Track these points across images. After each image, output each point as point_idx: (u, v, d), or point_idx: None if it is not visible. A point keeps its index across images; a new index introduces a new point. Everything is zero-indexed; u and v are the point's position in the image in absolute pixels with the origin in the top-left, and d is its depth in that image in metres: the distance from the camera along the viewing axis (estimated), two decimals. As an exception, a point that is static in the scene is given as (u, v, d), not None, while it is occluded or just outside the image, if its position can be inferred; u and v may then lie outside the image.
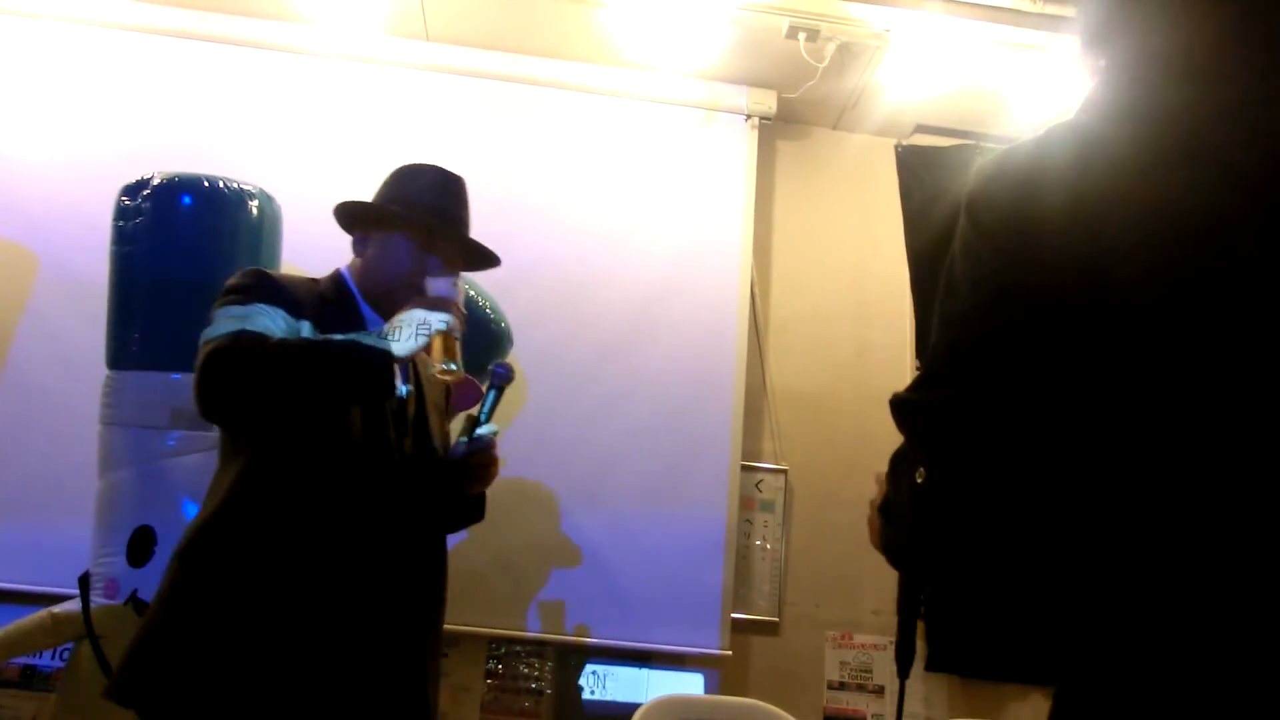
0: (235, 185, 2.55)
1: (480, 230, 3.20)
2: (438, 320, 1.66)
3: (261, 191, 2.61)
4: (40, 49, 3.09)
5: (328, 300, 1.76)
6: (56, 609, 2.42)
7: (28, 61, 3.08)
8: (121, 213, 2.52)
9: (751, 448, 3.19)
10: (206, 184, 2.52)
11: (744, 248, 3.21)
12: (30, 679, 2.68)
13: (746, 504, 3.14)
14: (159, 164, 2.63)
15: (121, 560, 2.38)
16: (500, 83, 3.22)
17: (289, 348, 1.58)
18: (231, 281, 1.72)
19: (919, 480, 1.06)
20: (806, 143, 3.50)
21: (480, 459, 1.81)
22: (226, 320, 1.61)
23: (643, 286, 3.11)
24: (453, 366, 1.72)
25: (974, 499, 1.02)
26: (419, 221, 1.85)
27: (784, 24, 2.93)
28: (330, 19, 3.07)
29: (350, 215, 1.90)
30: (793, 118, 3.43)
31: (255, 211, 2.57)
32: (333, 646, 1.59)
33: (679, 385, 3.07)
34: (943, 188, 3.33)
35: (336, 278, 1.84)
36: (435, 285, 1.76)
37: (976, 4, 2.86)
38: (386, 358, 1.59)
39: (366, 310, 1.80)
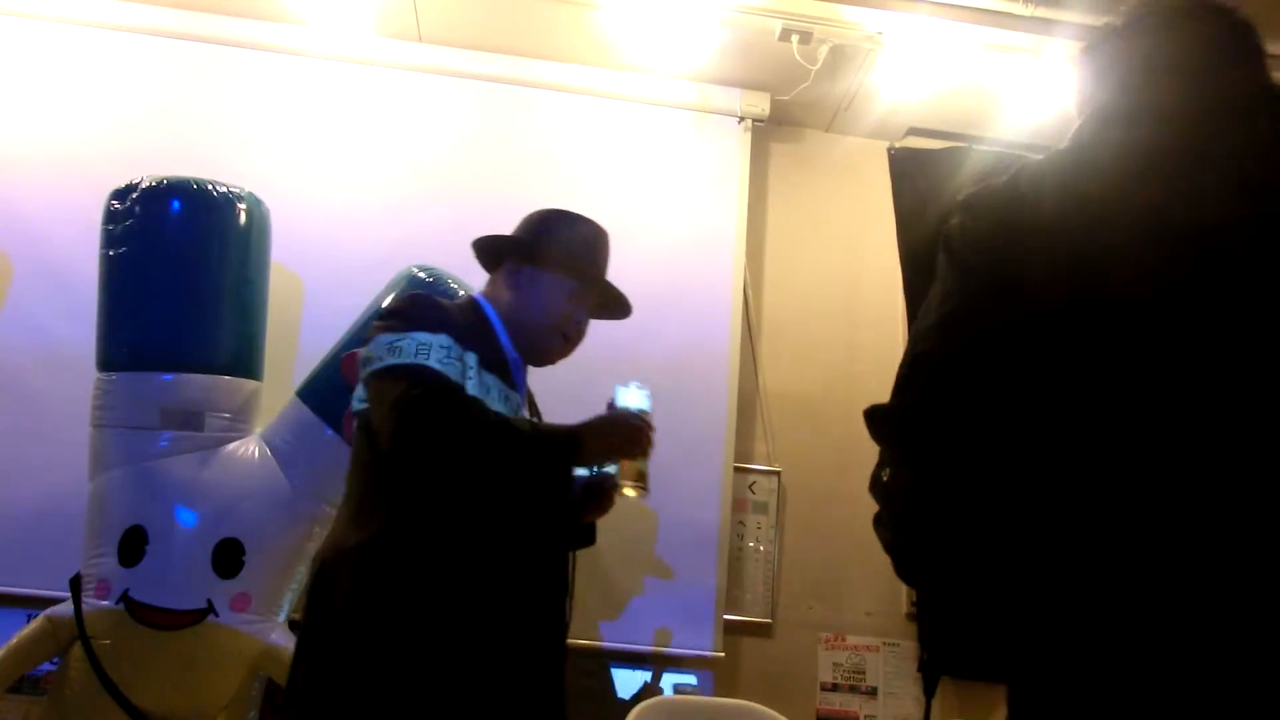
0: (224, 189, 2.55)
1: (472, 233, 3.20)
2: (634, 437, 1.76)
3: (250, 194, 2.61)
4: (25, 47, 3.07)
5: (475, 329, 1.77)
6: (51, 612, 2.42)
7: (11, 59, 3.06)
8: (110, 216, 2.52)
9: (744, 449, 3.19)
10: (195, 187, 2.52)
11: (737, 250, 3.21)
12: (20, 681, 2.66)
13: (739, 506, 3.14)
14: (146, 164, 2.63)
15: (113, 561, 2.38)
16: (492, 84, 3.21)
17: (502, 430, 1.61)
18: (395, 305, 1.75)
19: (885, 479, 1.15)
20: (799, 145, 3.50)
21: (603, 490, 1.86)
22: (393, 351, 1.63)
23: (635, 288, 3.04)
24: (641, 488, 1.81)
25: (932, 494, 1.10)
26: (582, 269, 1.88)
27: (777, 26, 2.93)
28: (321, 19, 3.06)
29: (500, 249, 1.93)
30: (786, 120, 3.43)
31: (244, 215, 2.58)
32: (504, 660, 1.64)
33: (672, 387, 3.04)
34: (935, 190, 3.34)
35: (477, 307, 1.86)
36: (634, 396, 1.83)
37: (968, 7, 2.87)
38: (573, 464, 1.67)
39: (505, 341, 1.82)
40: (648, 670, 2.99)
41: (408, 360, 1.61)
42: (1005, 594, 1.09)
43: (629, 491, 1.80)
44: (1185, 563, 0.98)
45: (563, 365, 1.93)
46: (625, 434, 1.77)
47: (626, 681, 2.98)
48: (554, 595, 1.78)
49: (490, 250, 1.95)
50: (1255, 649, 0.96)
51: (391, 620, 1.58)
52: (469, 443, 1.58)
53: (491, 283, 1.93)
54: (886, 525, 1.17)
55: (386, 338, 1.66)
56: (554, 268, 1.86)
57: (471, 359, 1.69)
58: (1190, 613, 0.97)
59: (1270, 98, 1.16)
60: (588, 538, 1.97)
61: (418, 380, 1.60)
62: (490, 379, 1.72)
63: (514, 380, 1.81)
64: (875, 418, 1.18)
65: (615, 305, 1.99)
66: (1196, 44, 1.19)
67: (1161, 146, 1.12)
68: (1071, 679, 1.02)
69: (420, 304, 1.73)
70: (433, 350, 1.63)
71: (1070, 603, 1.03)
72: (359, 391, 1.74)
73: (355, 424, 1.76)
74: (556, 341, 1.87)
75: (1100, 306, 1.04)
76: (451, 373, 1.63)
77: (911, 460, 1.13)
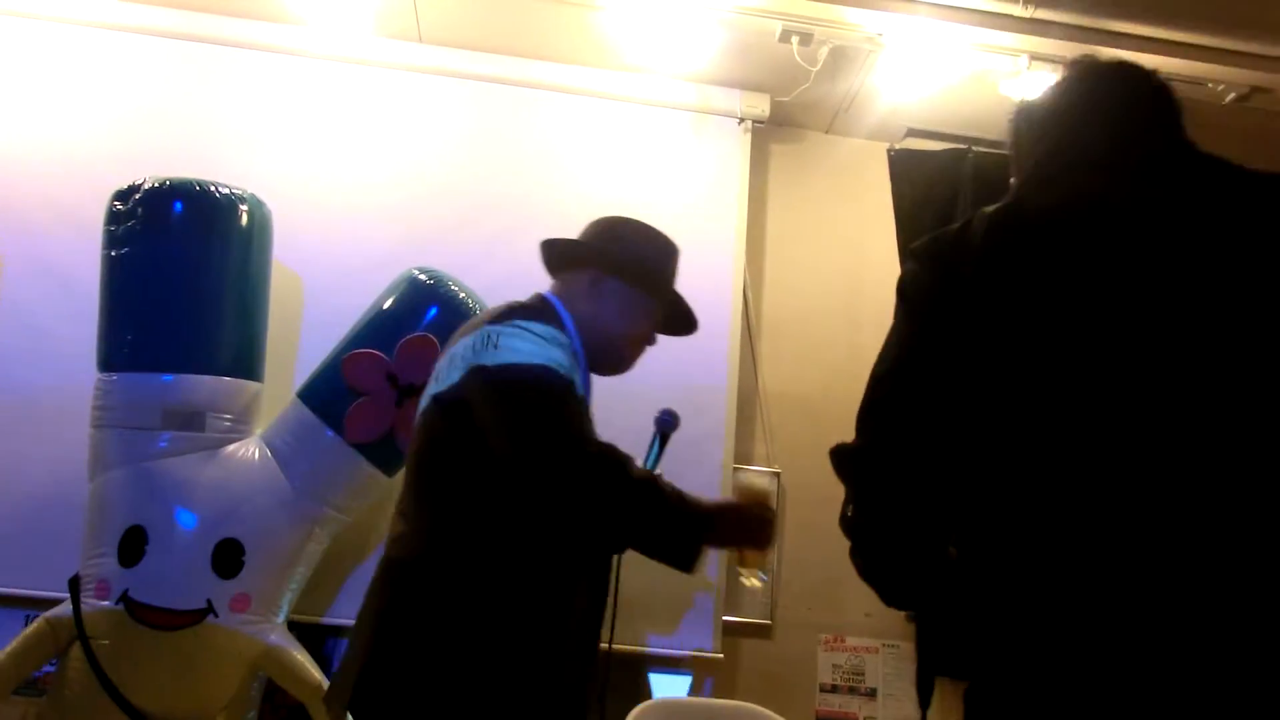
0: (226, 190, 2.56)
1: (472, 235, 3.22)
2: (765, 530, 1.72)
3: (252, 196, 2.61)
4: (24, 47, 3.06)
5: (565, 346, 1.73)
6: (51, 614, 2.43)
7: (11, 59, 3.05)
8: (113, 217, 2.52)
9: (744, 450, 3.19)
10: (197, 188, 2.52)
11: (737, 251, 3.21)
12: (19, 682, 2.67)
13: (739, 507, 3.14)
14: (147, 165, 2.63)
15: (112, 561, 2.39)
16: (493, 85, 3.21)
17: (651, 494, 1.56)
18: (504, 308, 1.69)
19: (849, 514, 1.26)
20: (799, 146, 3.50)
21: None
22: (506, 346, 1.58)
23: (635, 289, 3.11)
24: (763, 577, 1.76)
25: (891, 529, 1.23)
26: (665, 288, 1.87)
27: (777, 27, 2.93)
28: (321, 20, 3.06)
29: (581, 257, 1.86)
30: (786, 121, 3.43)
31: (245, 216, 2.58)
32: (570, 665, 1.66)
33: (671, 388, 3.02)
34: (934, 191, 3.34)
35: (554, 309, 1.79)
36: (759, 481, 1.78)
37: (968, 9, 2.87)
38: (703, 545, 1.60)
39: (579, 348, 1.76)
40: (646, 671, 2.98)
41: (533, 360, 1.56)
42: (974, 610, 1.18)
43: (753, 582, 1.78)
44: (1129, 578, 1.07)
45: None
46: (758, 526, 1.71)
47: (625, 683, 2.97)
48: (601, 600, 1.79)
49: (564, 254, 1.88)
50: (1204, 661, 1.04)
51: (480, 631, 1.56)
52: (621, 498, 1.54)
53: (565, 284, 1.85)
54: (858, 557, 1.27)
55: (499, 328, 1.61)
56: (640, 284, 1.83)
57: (579, 378, 1.65)
58: (1142, 628, 1.06)
59: (1193, 153, 1.29)
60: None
61: (557, 394, 1.55)
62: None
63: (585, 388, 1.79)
64: (837, 457, 1.27)
65: (685, 322, 1.96)
66: (1132, 99, 1.32)
67: (1102, 189, 1.23)
68: (1022, 683, 1.12)
69: (526, 305, 1.70)
70: (552, 349, 1.59)
71: (1029, 611, 1.12)
72: (445, 377, 1.65)
73: (432, 408, 1.66)
74: (631, 355, 1.85)
75: (1046, 346, 1.15)
76: (569, 373, 1.59)
77: (869, 499, 1.24)
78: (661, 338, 3.02)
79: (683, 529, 1.58)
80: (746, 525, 1.70)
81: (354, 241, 3.01)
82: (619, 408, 2.99)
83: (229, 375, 2.54)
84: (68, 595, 2.41)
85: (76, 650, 2.36)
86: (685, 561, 1.58)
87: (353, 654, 1.67)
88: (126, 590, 2.35)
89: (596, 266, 1.83)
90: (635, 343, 1.85)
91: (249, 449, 2.54)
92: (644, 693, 2.95)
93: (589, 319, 1.79)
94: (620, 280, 1.82)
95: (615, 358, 1.84)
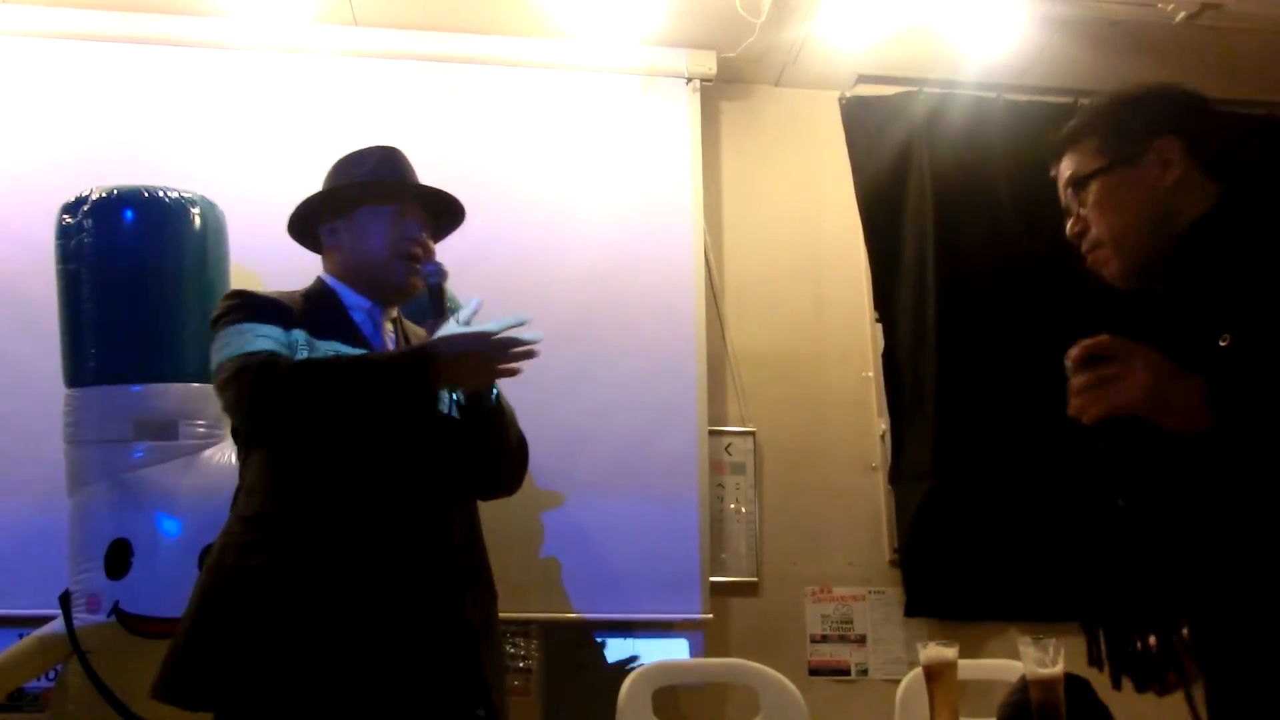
0: (175, 194, 2.53)
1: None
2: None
3: (203, 198, 2.58)
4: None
5: (312, 301, 1.81)
6: (41, 632, 2.44)
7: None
8: (64, 231, 2.50)
9: (718, 412, 3.20)
10: (146, 195, 2.50)
11: (694, 212, 3.20)
12: (20, 700, 2.69)
13: (717, 468, 3.16)
14: (87, 174, 2.60)
15: (100, 574, 2.39)
16: (433, 64, 3.17)
17: (331, 366, 1.68)
18: (221, 305, 1.79)
19: None
20: (750, 102, 3.48)
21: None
22: (236, 338, 1.70)
23: (596, 260, 3.10)
24: None
25: None
26: (382, 188, 1.87)
27: (718, -21, 2.90)
28: (253, 10, 3.00)
29: (307, 214, 1.90)
30: (734, 77, 3.40)
31: (198, 219, 2.56)
32: (381, 626, 1.64)
33: (640, 356, 3.07)
34: (888, 135, 3.34)
35: (318, 281, 1.88)
36: (429, 271, 1.84)
37: (909, -52, 2.85)
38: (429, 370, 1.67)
39: (353, 298, 1.84)
40: (638, 638, 3.02)
41: (244, 347, 1.69)
42: None
43: None
44: None
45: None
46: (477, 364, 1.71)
47: (617, 651, 3.01)
48: (436, 547, 1.74)
49: (300, 220, 1.92)
50: None
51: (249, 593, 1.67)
52: (310, 386, 1.65)
53: (324, 258, 1.93)
54: None
55: (226, 330, 1.73)
56: (359, 204, 1.86)
57: (300, 335, 1.74)
58: None
59: None
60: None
61: (245, 359, 1.67)
62: (328, 345, 1.75)
63: (365, 338, 1.83)
64: None
65: (444, 209, 1.95)
66: None
67: None
68: None
69: (239, 298, 1.79)
70: (262, 340, 1.69)
71: None
72: None
73: None
74: (402, 268, 1.84)
75: None
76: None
77: None
78: (626, 307, 3.06)
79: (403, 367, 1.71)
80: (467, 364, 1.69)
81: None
82: (590, 382, 3.02)
83: (198, 380, 2.52)
84: (59, 613, 2.42)
85: (75, 664, 2.37)
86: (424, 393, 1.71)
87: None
88: (117, 602, 2.37)
89: (319, 221, 1.91)
90: (394, 255, 1.84)
91: (225, 453, 2.54)
92: (634, 659, 2.99)
93: (344, 267, 1.88)
94: (339, 217, 1.87)
95: (390, 280, 1.86)
